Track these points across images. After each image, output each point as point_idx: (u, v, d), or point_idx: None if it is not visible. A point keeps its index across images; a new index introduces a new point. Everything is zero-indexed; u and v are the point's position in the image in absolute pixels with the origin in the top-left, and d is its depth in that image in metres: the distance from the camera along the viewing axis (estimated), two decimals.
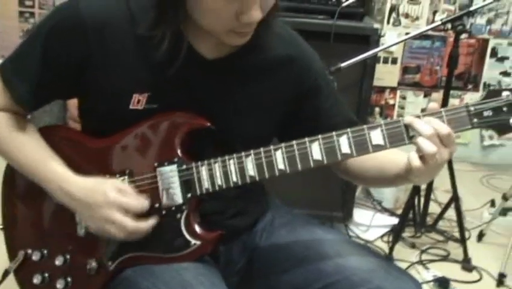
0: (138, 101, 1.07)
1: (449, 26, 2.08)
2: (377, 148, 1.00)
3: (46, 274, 1.14)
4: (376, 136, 0.99)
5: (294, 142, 1.01)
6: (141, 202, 1.04)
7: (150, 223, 1.05)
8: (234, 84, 1.11)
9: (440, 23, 2.07)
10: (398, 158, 1.05)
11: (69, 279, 1.12)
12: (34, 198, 1.16)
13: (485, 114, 0.96)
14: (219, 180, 1.05)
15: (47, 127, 1.19)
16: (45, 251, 1.15)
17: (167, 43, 1.01)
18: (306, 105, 1.17)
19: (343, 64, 2.07)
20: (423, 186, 2.36)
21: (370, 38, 2.19)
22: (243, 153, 1.03)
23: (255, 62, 1.12)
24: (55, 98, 1.19)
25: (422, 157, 0.96)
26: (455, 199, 2.28)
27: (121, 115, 1.07)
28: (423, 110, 1.01)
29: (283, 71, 1.14)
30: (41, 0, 3.05)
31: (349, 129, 1.00)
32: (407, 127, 0.98)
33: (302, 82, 1.16)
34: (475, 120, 0.96)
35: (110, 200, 1.02)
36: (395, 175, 1.07)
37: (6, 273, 1.17)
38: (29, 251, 1.15)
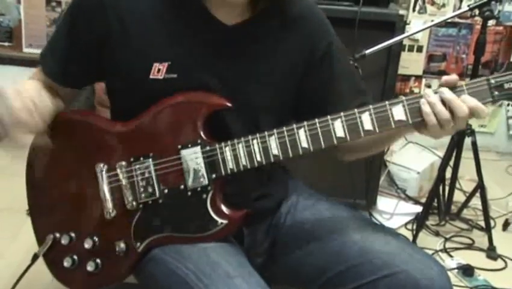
0: (158, 70, 1.09)
1: (476, 12, 2.05)
2: (399, 123, 1.01)
3: (76, 257, 1.15)
4: (398, 112, 1.01)
5: (316, 120, 1.03)
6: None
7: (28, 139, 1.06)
8: (253, 50, 1.13)
9: (467, 8, 2.04)
10: None
11: (99, 261, 1.14)
12: (60, 183, 1.18)
13: (506, 86, 0.98)
14: (243, 160, 1.06)
15: (74, 112, 1.22)
16: (73, 235, 1.16)
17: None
18: (319, 70, 1.18)
19: (368, 51, 2.06)
20: (448, 175, 2.35)
21: (396, 25, 2.17)
22: (266, 133, 1.05)
23: (272, 26, 1.13)
24: (85, 74, 1.18)
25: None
26: (480, 188, 2.26)
27: (142, 85, 1.10)
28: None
29: (298, 31, 1.15)
30: None
31: (371, 106, 1.02)
32: None
33: (316, 43, 1.17)
34: (496, 92, 0.98)
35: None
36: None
37: (35, 257, 1.19)
38: (57, 235, 1.16)
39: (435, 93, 1.00)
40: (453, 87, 1.00)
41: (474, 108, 0.98)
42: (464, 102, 0.98)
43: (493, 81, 0.98)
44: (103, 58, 1.12)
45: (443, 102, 0.99)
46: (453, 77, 1.00)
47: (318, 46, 1.17)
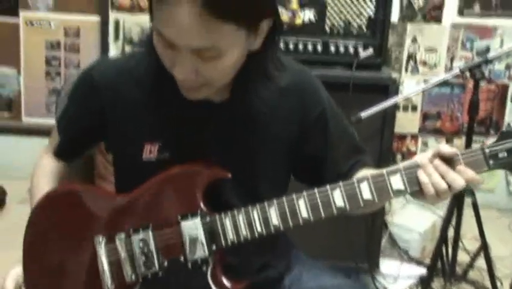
0: (150, 151, 1.11)
1: (468, 74, 2.09)
2: (398, 193, 1.01)
3: None
4: (397, 182, 1.01)
5: (316, 190, 1.03)
6: None
7: None
8: (244, 124, 1.13)
9: (458, 71, 2.08)
10: None
11: None
12: (57, 256, 1.16)
13: (500, 155, 0.99)
14: (244, 231, 1.05)
15: (72, 184, 1.25)
16: None
17: (168, 85, 1.05)
18: (314, 136, 1.18)
19: (364, 114, 2.09)
20: (450, 235, 2.32)
21: (389, 88, 2.21)
22: (265, 203, 1.05)
23: (262, 98, 1.12)
24: (87, 151, 1.30)
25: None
26: (483, 248, 2.23)
27: (137, 168, 1.11)
28: None
29: (290, 99, 1.15)
30: (67, 60, 3.16)
31: (369, 175, 1.02)
32: None
33: (309, 110, 1.17)
34: (491, 161, 0.99)
35: None
36: None
37: None
38: None
39: (431, 162, 1.00)
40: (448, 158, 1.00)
41: (471, 179, 0.98)
42: (460, 174, 0.98)
43: (487, 151, 0.99)
44: (102, 137, 1.19)
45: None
46: (448, 150, 1.00)
47: (312, 113, 1.17)
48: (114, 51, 3.10)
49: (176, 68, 0.97)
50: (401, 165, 1.02)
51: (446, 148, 1.00)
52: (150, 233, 1.08)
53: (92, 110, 1.15)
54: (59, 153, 1.26)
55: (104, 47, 3.09)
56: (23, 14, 3.09)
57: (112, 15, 3.07)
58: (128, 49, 3.08)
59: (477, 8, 3.10)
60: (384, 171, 1.02)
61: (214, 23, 0.90)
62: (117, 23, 3.08)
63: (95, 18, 3.08)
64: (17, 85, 3.21)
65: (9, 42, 3.13)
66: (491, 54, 2.10)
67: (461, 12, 3.11)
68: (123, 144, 1.13)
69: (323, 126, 1.18)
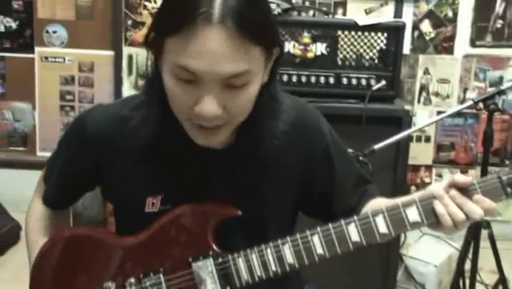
0: (152, 204, 1.08)
1: (481, 105, 2.08)
2: (415, 225, 1.00)
3: None
4: (413, 214, 1.00)
5: (330, 225, 1.01)
6: None
7: None
8: (248, 168, 1.11)
9: (471, 103, 2.07)
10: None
11: None
12: None
13: None
14: (258, 271, 1.03)
15: (78, 228, 1.27)
16: None
17: (167, 135, 1.03)
18: (319, 174, 1.17)
19: (377, 146, 2.08)
20: (467, 267, 2.28)
21: (402, 120, 2.20)
22: (279, 241, 1.03)
23: (274, 130, 1.10)
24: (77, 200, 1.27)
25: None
26: (501, 282, 2.18)
27: (138, 219, 1.09)
28: None
29: (294, 135, 1.13)
30: (81, 94, 3.20)
31: (384, 208, 1.00)
32: None
33: (313, 148, 1.16)
34: (509, 189, 0.97)
35: None
36: None
37: None
38: None
39: (447, 192, 0.99)
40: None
41: (489, 208, 0.97)
42: (478, 203, 0.97)
43: (504, 178, 0.97)
44: (97, 185, 1.18)
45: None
46: (465, 180, 0.98)
47: (317, 149, 1.16)
48: (127, 85, 3.14)
49: (203, 103, 0.93)
50: (415, 196, 1.01)
51: (461, 178, 0.98)
52: (162, 277, 1.06)
53: (86, 161, 1.12)
54: (49, 201, 1.23)
55: (118, 81, 3.14)
56: (39, 50, 3.15)
57: (126, 51, 3.12)
58: (140, 83, 3.11)
59: (489, 38, 3.10)
60: (399, 203, 1.01)
61: (245, 45, 0.90)
62: (130, 58, 3.12)
63: (109, 53, 3.12)
64: (32, 120, 3.24)
65: (25, 78, 3.17)
66: (505, 85, 2.10)
67: (473, 43, 3.11)
68: (123, 196, 1.12)
69: (328, 160, 1.17)
